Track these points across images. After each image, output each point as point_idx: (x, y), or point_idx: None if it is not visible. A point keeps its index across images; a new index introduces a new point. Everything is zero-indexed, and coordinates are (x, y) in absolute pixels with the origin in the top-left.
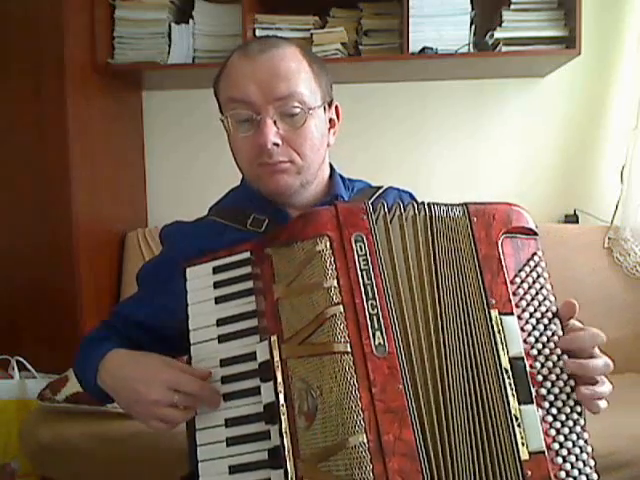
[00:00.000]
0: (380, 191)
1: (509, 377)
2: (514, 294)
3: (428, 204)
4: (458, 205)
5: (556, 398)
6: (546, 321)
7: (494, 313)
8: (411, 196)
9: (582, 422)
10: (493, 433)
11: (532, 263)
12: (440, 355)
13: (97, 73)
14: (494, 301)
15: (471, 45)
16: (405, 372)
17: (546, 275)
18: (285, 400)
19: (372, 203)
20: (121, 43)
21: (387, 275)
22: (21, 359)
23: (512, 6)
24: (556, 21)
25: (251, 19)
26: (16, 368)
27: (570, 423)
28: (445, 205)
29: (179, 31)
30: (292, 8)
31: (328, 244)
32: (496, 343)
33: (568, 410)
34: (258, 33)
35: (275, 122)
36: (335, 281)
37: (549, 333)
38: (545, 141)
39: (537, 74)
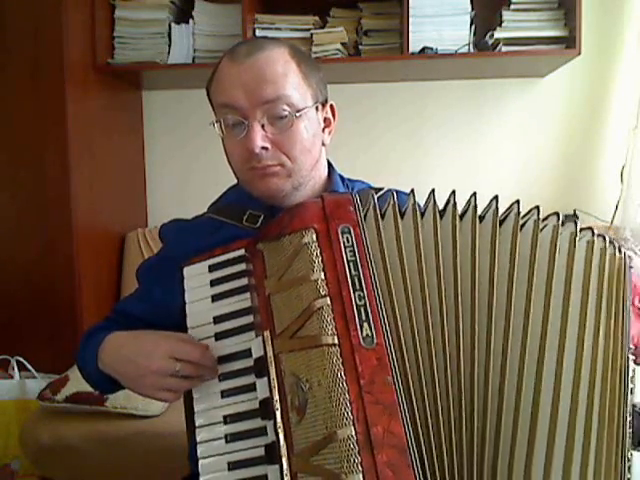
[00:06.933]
0: (381, 192)
1: (630, 418)
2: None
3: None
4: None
5: None
6: None
7: (632, 357)
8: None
9: None
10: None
11: None
12: (438, 348)
13: (97, 73)
14: (633, 348)
15: (471, 45)
16: (395, 364)
17: None
18: (279, 395)
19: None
20: (121, 43)
21: (376, 267)
22: (21, 359)
23: (512, 6)
24: (556, 21)
25: (251, 19)
26: (16, 368)
27: None
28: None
29: (179, 31)
30: (292, 8)
31: (314, 236)
32: (626, 384)
33: None
34: (258, 33)
35: (263, 126)
36: (322, 273)
37: None
38: (545, 141)
39: (537, 74)
